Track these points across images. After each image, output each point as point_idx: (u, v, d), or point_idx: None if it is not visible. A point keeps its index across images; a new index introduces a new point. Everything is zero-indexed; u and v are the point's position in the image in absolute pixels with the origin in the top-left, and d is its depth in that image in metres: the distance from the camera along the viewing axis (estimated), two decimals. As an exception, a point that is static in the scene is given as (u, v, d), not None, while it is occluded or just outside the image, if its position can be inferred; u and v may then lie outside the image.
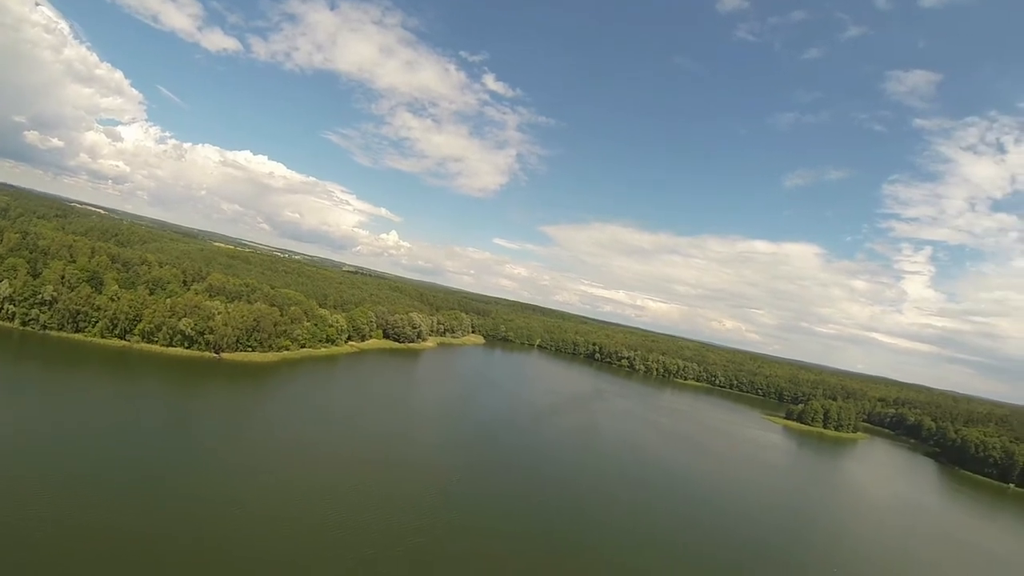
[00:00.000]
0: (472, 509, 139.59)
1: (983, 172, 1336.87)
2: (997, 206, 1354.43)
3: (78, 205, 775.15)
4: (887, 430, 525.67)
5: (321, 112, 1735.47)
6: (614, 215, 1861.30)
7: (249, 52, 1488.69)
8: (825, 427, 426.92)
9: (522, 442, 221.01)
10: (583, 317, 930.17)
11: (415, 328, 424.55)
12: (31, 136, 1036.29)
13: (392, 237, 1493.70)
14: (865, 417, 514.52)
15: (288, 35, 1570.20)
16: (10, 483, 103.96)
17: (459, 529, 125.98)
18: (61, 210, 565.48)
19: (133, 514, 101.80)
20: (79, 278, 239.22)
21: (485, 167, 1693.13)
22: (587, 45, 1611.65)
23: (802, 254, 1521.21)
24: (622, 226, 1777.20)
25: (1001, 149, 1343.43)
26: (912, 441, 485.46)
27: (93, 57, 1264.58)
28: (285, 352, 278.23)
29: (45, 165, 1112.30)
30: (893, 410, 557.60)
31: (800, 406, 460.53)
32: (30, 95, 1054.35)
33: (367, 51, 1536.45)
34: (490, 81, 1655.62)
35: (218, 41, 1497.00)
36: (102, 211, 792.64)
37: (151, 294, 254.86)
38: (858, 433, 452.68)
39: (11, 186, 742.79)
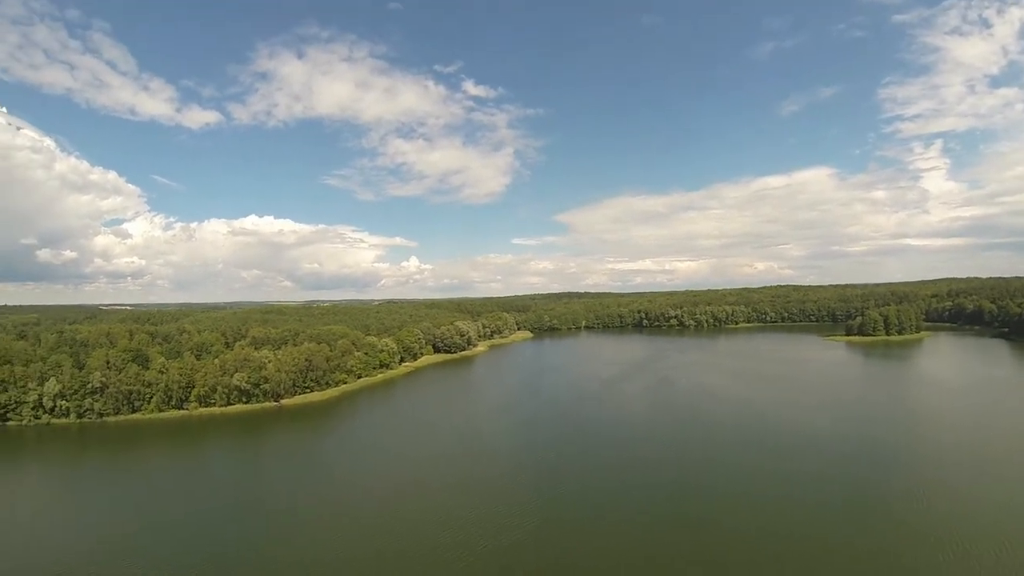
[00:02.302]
0: (579, 491, 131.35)
1: (973, 52, 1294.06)
2: (996, 82, 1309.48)
3: (104, 307, 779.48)
4: (948, 323, 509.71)
5: (314, 160, 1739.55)
6: (623, 187, 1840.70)
7: (231, 120, 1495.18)
8: (888, 333, 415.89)
9: (601, 412, 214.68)
10: (617, 294, 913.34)
11: (463, 336, 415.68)
12: (44, 254, 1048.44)
13: (413, 263, 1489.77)
14: (924, 316, 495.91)
15: (264, 94, 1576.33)
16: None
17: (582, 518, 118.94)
18: (89, 313, 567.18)
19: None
20: (124, 359, 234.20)
21: (487, 172, 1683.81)
22: (554, 26, 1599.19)
23: (815, 178, 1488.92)
24: (633, 196, 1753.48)
25: (986, 24, 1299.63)
26: (976, 328, 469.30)
27: (84, 164, 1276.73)
28: (343, 386, 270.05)
29: (63, 278, 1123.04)
30: (950, 302, 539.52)
31: (858, 319, 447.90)
32: (34, 215, 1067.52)
33: (344, 90, 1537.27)
34: (470, 87, 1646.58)
35: (198, 117, 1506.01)
36: (128, 307, 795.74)
37: (198, 359, 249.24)
38: (921, 332, 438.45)
39: (36, 306, 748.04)
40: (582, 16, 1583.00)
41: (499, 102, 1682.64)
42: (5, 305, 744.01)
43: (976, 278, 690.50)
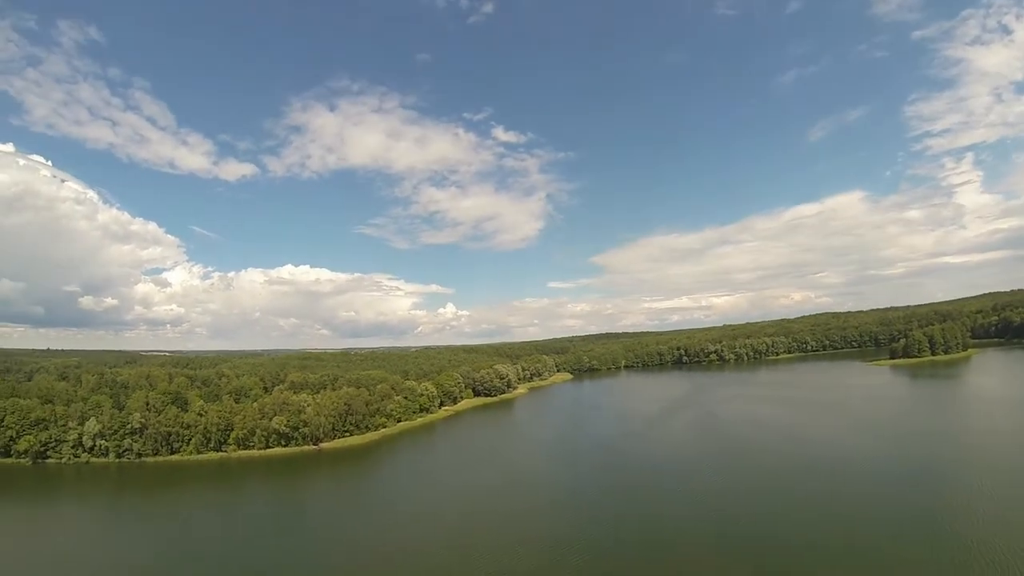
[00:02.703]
0: (628, 520, 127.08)
1: (996, 59, 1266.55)
2: (1022, 88, 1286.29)
3: (144, 353, 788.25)
4: (995, 339, 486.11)
5: (349, 209, 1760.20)
6: (655, 225, 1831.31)
7: (266, 172, 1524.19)
8: (933, 353, 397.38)
9: (644, 447, 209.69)
10: (655, 333, 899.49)
11: (503, 379, 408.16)
12: (86, 301, 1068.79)
13: (449, 310, 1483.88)
14: (969, 333, 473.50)
15: (298, 146, 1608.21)
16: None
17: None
18: (129, 358, 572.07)
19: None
20: (163, 401, 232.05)
21: (520, 217, 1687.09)
22: (581, 69, 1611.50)
23: (848, 203, 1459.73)
24: (666, 234, 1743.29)
25: (1006, 31, 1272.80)
26: None
27: (125, 216, 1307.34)
28: (383, 430, 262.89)
29: (105, 325, 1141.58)
30: (995, 317, 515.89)
31: (902, 341, 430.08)
32: (77, 264, 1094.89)
33: (375, 140, 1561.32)
34: (500, 133, 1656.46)
35: (234, 170, 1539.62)
36: (167, 353, 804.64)
37: (236, 403, 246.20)
38: (968, 350, 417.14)
39: (78, 351, 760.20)
40: (606, 58, 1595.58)
41: (529, 147, 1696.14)
42: (48, 349, 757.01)
43: (1021, 290, 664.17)
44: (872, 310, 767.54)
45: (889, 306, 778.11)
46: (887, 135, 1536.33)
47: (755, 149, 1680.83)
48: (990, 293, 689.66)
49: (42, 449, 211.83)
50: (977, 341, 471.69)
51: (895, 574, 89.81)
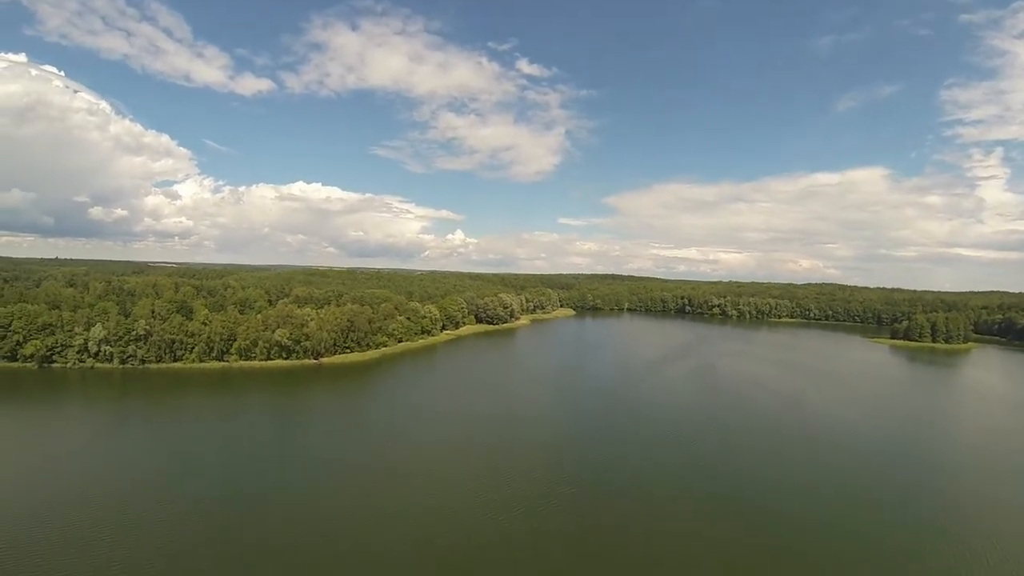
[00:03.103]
0: (620, 460, 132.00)
1: None
2: None
3: (151, 264, 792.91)
4: (997, 337, 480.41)
5: (365, 130, 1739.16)
6: (672, 173, 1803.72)
7: (283, 88, 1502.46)
8: (934, 340, 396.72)
9: (644, 390, 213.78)
10: (660, 280, 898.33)
11: (507, 308, 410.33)
12: (96, 212, 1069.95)
13: (458, 236, 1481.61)
14: (972, 327, 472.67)
15: (317, 64, 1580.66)
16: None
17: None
18: (137, 268, 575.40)
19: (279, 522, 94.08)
20: (169, 310, 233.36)
21: (537, 151, 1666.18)
22: (611, 8, 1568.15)
23: (869, 178, 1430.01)
24: (682, 183, 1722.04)
25: None
26: None
27: (138, 127, 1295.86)
28: (384, 348, 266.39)
29: (114, 236, 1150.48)
30: (1000, 316, 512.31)
31: (904, 323, 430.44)
32: (88, 175, 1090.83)
33: (397, 63, 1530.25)
34: (524, 65, 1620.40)
35: (251, 85, 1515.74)
36: (175, 265, 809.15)
37: (241, 313, 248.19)
38: (969, 343, 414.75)
39: (86, 260, 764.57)
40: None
41: (552, 82, 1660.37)
42: (57, 258, 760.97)
43: None
44: (879, 288, 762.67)
45: (896, 287, 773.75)
46: (918, 116, 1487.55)
47: (781, 110, 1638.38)
48: (998, 292, 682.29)
49: (48, 354, 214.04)
50: (978, 336, 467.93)
51: (867, 540, 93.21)
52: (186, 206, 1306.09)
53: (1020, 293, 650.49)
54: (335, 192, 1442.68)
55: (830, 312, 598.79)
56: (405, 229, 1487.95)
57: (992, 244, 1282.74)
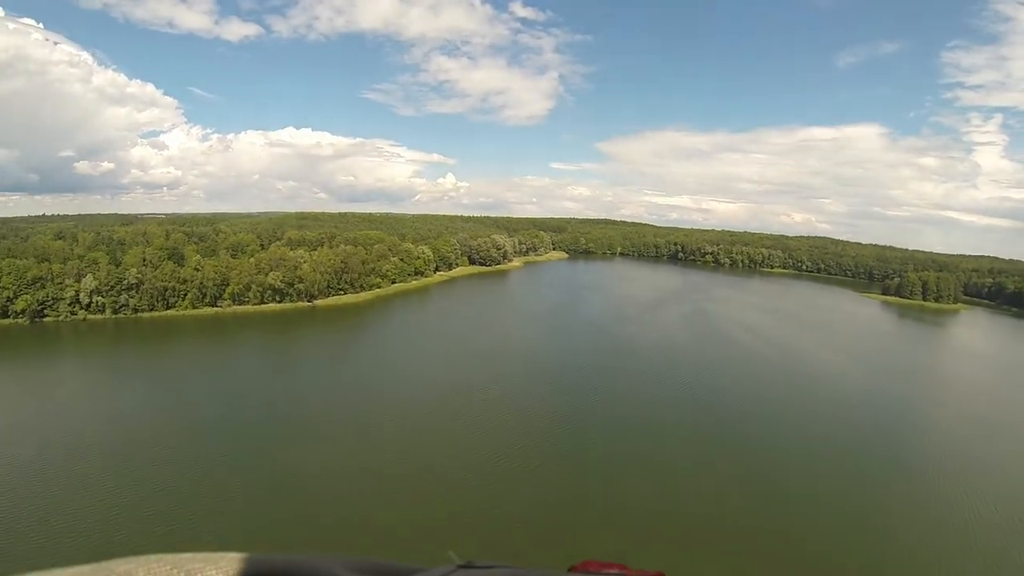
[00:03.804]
0: (612, 397, 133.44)
1: None
2: None
3: (141, 216, 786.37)
4: (986, 301, 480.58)
5: (355, 74, 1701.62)
6: (666, 121, 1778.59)
7: (271, 33, 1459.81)
8: (924, 299, 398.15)
9: (637, 331, 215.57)
10: (652, 226, 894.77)
11: (499, 249, 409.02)
12: (82, 166, 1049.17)
13: (449, 180, 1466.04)
14: (962, 289, 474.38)
15: (305, 6, 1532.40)
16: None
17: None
18: (126, 221, 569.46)
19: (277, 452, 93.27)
20: (160, 257, 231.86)
21: (529, 95, 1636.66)
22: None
23: (865, 135, 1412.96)
24: (676, 131, 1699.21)
25: None
26: (1014, 309, 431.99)
27: (121, 77, 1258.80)
28: (377, 290, 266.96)
29: (101, 189, 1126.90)
30: (990, 280, 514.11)
31: (896, 280, 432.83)
32: (72, 128, 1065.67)
33: (388, 5, 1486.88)
34: (518, 8, 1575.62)
35: (237, 30, 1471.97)
36: (164, 216, 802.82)
37: (233, 258, 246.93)
38: (958, 304, 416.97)
39: (74, 215, 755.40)
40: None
41: (547, 25, 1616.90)
42: (44, 215, 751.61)
43: (1019, 261, 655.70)
44: (872, 244, 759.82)
45: (887, 245, 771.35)
46: (918, 76, 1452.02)
47: (780, 61, 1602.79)
48: (988, 256, 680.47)
49: (39, 308, 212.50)
50: (967, 298, 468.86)
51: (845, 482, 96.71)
52: (174, 156, 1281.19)
53: (1010, 260, 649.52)
54: (325, 137, 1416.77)
55: (822, 265, 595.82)
56: (396, 173, 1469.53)
57: (985, 210, 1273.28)
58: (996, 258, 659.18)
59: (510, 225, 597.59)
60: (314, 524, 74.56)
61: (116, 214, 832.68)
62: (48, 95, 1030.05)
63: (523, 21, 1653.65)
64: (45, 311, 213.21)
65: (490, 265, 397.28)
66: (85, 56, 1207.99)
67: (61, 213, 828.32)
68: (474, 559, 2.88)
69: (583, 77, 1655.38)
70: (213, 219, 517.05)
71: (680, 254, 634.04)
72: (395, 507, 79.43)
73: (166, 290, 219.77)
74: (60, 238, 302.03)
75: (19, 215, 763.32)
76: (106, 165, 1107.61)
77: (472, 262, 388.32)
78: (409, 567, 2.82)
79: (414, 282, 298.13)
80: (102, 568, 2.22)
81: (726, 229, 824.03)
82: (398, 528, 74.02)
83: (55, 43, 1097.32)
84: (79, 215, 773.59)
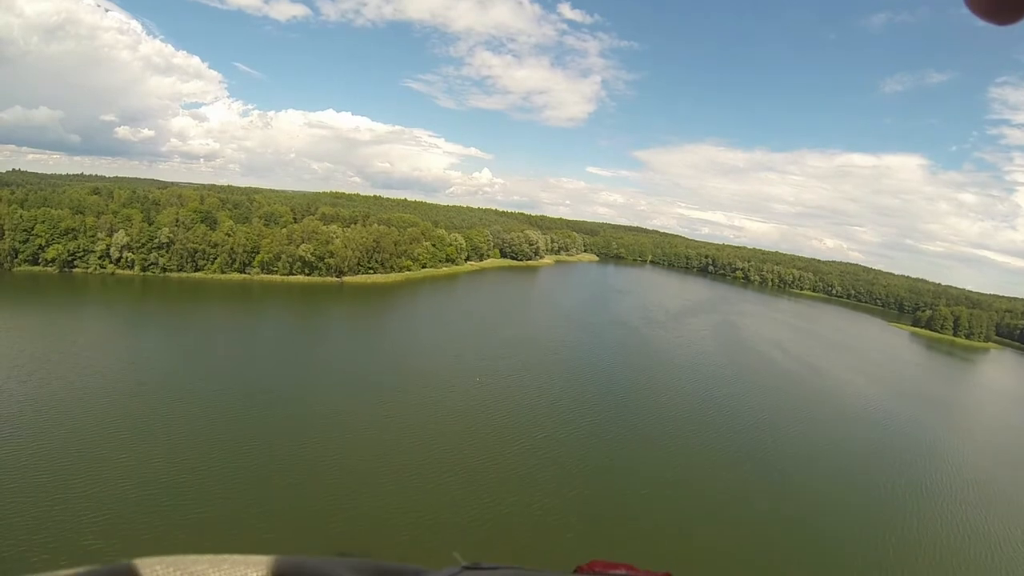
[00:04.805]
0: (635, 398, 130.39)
1: None
2: None
3: (176, 183, 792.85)
4: (1017, 343, 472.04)
5: (399, 62, 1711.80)
6: (706, 135, 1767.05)
7: (319, 15, 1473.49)
8: (955, 335, 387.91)
9: (666, 336, 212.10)
10: (684, 238, 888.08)
11: (532, 245, 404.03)
12: (123, 131, 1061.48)
13: (485, 175, 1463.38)
14: (994, 329, 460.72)
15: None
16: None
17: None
18: (162, 187, 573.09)
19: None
20: (193, 219, 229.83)
21: (571, 97, 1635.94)
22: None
23: (905, 166, 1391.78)
24: (715, 146, 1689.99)
25: None
26: None
27: (169, 48, 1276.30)
28: (407, 272, 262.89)
29: (140, 155, 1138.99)
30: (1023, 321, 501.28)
31: (928, 312, 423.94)
32: (116, 94, 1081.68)
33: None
34: (566, 10, 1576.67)
35: (286, 10, 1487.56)
36: (199, 185, 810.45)
37: (266, 227, 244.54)
38: (989, 343, 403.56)
39: (111, 177, 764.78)
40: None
41: (594, 29, 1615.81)
42: (82, 174, 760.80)
43: None
44: (904, 276, 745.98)
45: (919, 278, 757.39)
46: (964, 109, 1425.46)
47: (825, 83, 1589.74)
48: (1022, 298, 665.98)
49: (69, 258, 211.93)
50: (999, 338, 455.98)
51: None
52: (213, 128, 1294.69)
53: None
54: (364, 122, 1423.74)
55: (852, 291, 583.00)
56: (432, 164, 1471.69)
57: (1021, 252, 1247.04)
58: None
59: (543, 224, 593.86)
60: (308, 515, 69.62)
61: (153, 179, 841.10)
62: (96, 60, 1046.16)
63: (570, 23, 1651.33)
64: (75, 262, 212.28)
65: (521, 260, 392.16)
66: (134, 24, 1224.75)
67: (99, 174, 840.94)
68: (479, 560, 2.88)
69: (626, 84, 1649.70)
70: (248, 192, 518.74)
71: (710, 267, 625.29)
72: (397, 501, 74.25)
73: (196, 252, 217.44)
74: (96, 193, 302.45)
75: (58, 172, 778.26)
76: (146, 132, 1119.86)
77: (503, 255, 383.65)
78: (415, 568, 2.81)
79: (444, 269, 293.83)
80: (103, 571, 2.24)
81: (757, 248, 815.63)
82: (402, 527, 69.30)
83: (106, 10, 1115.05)
84: (115, 178, 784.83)
